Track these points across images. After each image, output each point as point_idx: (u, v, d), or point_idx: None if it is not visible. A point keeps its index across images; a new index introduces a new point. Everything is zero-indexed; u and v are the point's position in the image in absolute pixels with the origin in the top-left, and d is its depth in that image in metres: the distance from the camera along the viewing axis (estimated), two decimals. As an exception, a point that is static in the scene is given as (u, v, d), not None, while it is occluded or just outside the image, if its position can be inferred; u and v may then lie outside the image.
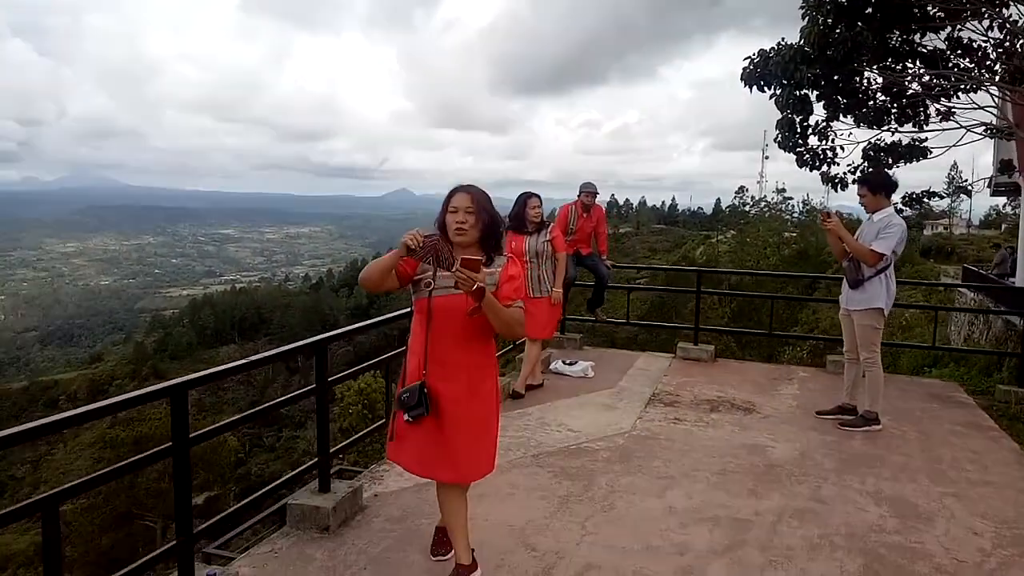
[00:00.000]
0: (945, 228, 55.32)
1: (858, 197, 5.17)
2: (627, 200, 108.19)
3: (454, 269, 2.51)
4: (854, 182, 11.43)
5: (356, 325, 4.51)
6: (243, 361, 3.33)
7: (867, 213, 5.13)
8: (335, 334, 3.91)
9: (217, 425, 3.41)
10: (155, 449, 2.87)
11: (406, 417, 2.73)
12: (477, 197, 2.74)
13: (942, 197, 13.43)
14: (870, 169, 11.69)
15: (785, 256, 27.44)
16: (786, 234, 29.72)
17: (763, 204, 33.51)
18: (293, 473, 3.84)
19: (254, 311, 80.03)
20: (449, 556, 3.08)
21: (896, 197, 10.62)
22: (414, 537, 3.37)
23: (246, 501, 3.62)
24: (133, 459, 2.87)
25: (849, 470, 4.38)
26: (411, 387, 2.73)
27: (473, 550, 2.97)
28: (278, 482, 3.78)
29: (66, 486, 2.51)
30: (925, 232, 51.31)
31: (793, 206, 31.91)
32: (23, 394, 61.60)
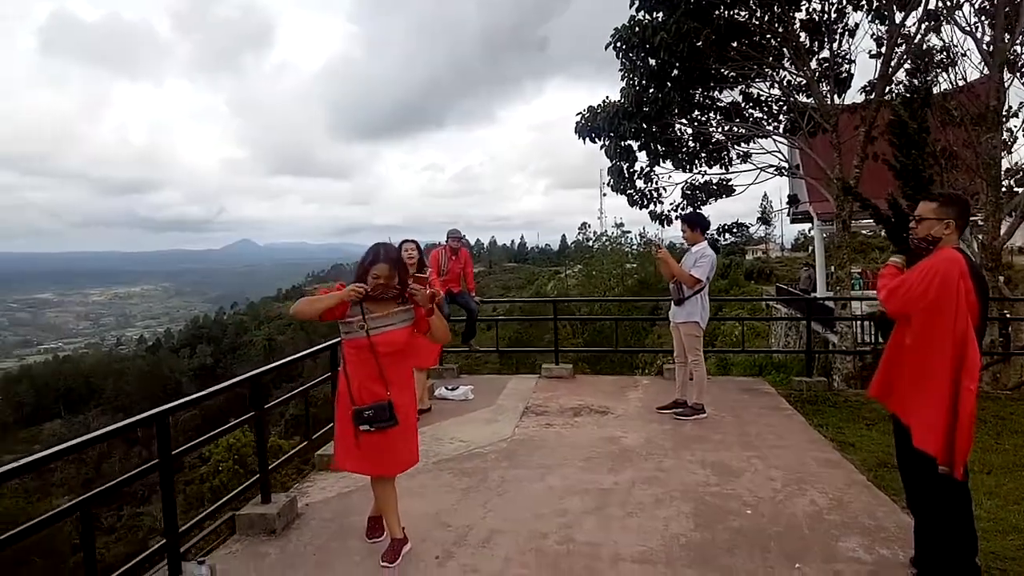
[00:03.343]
0: (764, 252, 61.81)
1: (681, 233, 6.55)
2: (478, 240, 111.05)
3: (409, 291, 3.45)
4: (678, 218, 13.31)
5: (203, 392, 4.00)
6: (61, 446, 2.92)
7: (688, 245, 6.48)
8: (176, 404, 3.64)
9: (36, 520, 2.81)
10: None
11: (368, 428, 3.46)
12: (392, 258, 3.56)
13: (748, 227, 15.76)
14: (689, 208, 13.66)
15: (628, 286, 29.93)
16: (628, 265, 32.26)
17: (604, 239, 36.20)
18: (140, 557, 3.46)
19: (82, 381, 73.10)
20: (383, 538, 3.86)
21: (712, 229, 12.49)
22: (348, 530, 4.09)
23: None
24: None
25: (683, 447, 5.58)
26: (376, 405, 3.47)
27: (403, 527, 3.78)
28: (119, 572, 3.16)
29: None
30: (747, 257, 57.00)
31: (632, 239, 34.71)
32: None
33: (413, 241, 6.81)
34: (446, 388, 7.51)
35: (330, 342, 5.28)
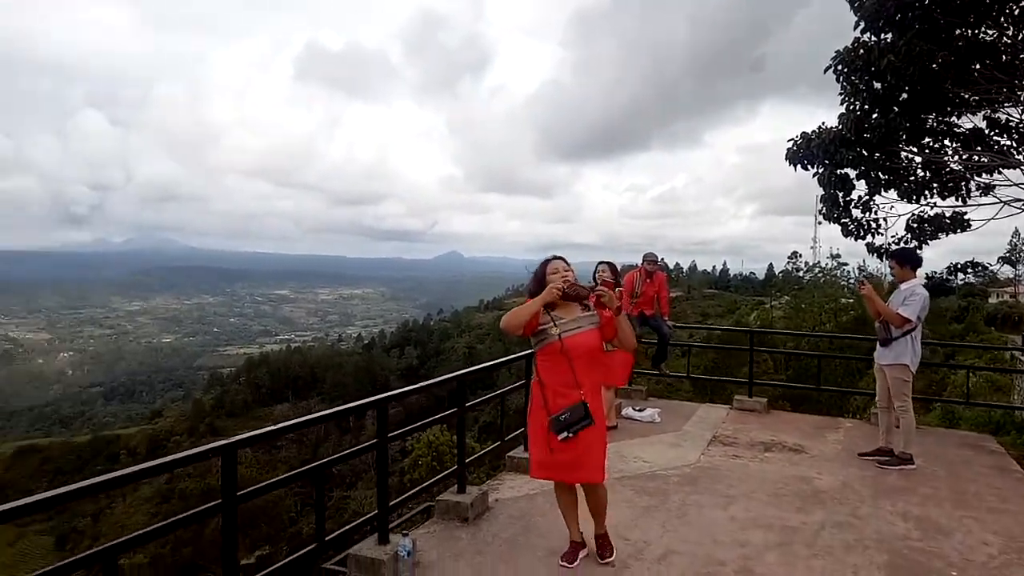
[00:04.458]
0: (1012, 296, 54.07)
1: (888, 269, 6.16)
2: (677, 264, 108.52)
3: (597, 290, 3.62)
4: (884, 254, 12.25)
5: (418, 385, 4.68)
6: (296, 420, 3.60)
7: (897, 283, 6.07)
8: (397, 393, 4.22)
9: (267, 482, 3.51)
10: (205, 506, 3.07)
11: (567, 435, 3.58)
12: (564, 261, 3.79)
13: (988, 267, 14.06)
14: (913, 242, 12.53)
15: (842, 323, 27.67)
16: (843, 300, 29.88)
17: (817, 270, 33.83)
18: (356, 522, 4.04)
19: (308, 370, 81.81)
20: (574, 565, 3.91)
21: (942, 267, 11.35)
22: (533, 528, 4.38)
23: (302, 552, 3.59)
24: (184, 515, 3.05)
25: (884, 497, 5.22)
26: (571, 407, 3.60)
27: (582, 533, 3.98)
28: (340, 531, 3.90)
29: (124, 539, 2.74)
30: (990, 300, 50.39)
31: (848, 272, 32.08)
32: (86, 448, 63.95)
33: (608, 263, 7.03)
34: (633, 409, 7.61)
35: (525, 352, 5.63)
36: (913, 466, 5.96)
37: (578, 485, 3.87)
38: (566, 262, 3.74)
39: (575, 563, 3.87)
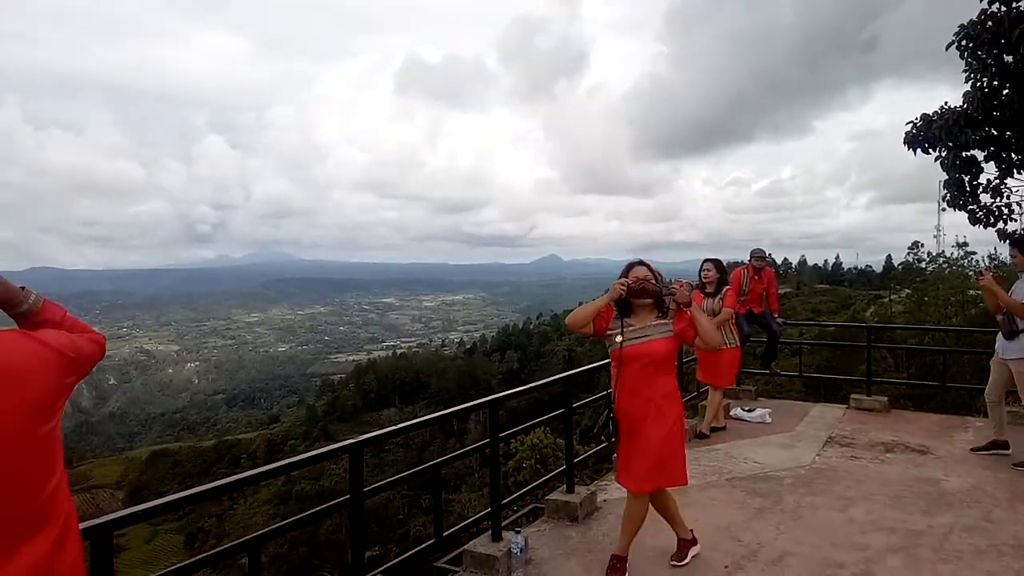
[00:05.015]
0: None
1: (1011, 257, 5.75)
2: (785, 259, 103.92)
3: (673, 286, 3.54)
4: (1006, 239, 11.32)
5: (530, 385, 4.88)
6: (419, 420, 3.89)
7: (1020, 272, 5.66)
8: (509, 394, 4.39)
9: (388, 480, 3.79)
10: (335, 500, 3.29)
11: (604, 440, 3.67)
12: (648, 267, 3.68)
13: None
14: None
15: (971, 316, 25.75)
16: (970, 292, 27.85)
17: (942, 260, 31.64)
18: (471, 520, 4.23)
19: (413, 376, 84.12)
20: (684, 563, 3.91)
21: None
22: (644, 530, 4.36)
23: (421, 548, 3.79)
24: (318, 508, 3.29)
25: (1021, 500, 4.88)
26: (604, 418, 3.64)
27: (692, 530, 3.96)
28: (455, 528, 4.06)
29: (267, 529, 2.99)
30: None
31: (977, 261, 29.85)
32: (211, 452, 68.22)
33: (714, 260, 6.92)
34: (742, 409, 7.44)
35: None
36: (1009, 451, 5.71)
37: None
38: (651, 268, 3.66)
39: (685, 561, 3.90)
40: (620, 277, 3.61)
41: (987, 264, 29.35)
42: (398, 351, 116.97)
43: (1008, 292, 5.64)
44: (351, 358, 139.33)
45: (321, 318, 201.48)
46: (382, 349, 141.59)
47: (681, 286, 3.55)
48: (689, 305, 3.55)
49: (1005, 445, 5.83)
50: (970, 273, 30.05)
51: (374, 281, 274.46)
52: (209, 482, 2.71)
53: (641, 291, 3.57)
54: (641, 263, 3.66)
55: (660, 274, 3.66)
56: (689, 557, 3.89)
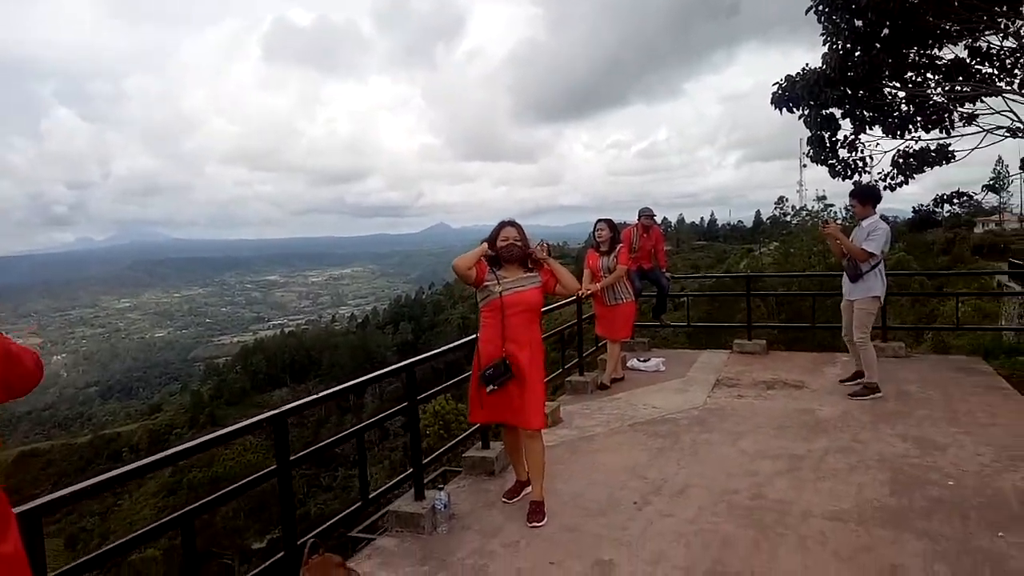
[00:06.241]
0: (997, 224, 54.36)
1: (849, 207, 6.39)
2: (664, 218, 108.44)
3: (539, 245, 3.99)
4: (886, 188, 12.45)
5: (441, 348, 4.90)
6: (340, 387, 3.93)
7: (859, 220, 6.28)
8: (424, 357, 4.43)
9: (317, 445, 3.77)
10: (262, 472, 3.27)
11: (492, 387, 3.87)
12: (517, 228, 4.04)
13: (973, 197, 14.30)
14: (900, 178, 12.71)
15: (832, 264, 27.96)
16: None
17: (804, 213, 33.97)
18: (392, 483, 4.28)
19: (303, 354, 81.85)
20: (515, 500, 4.26)
21: (928, 200, 11.54)
22: (557, 477, 4.63)
23: (350, 510, 3.91)
24: (243, 481, 3.22)
25: (882, 421, 5.52)
26: (494, 363, 3.88)
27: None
28: (378, 491, 4.10)
29: (198, 504, 2.97)
30: (976, 230, 50.76)
31: (836, 213, 32.28)
32: (88, 448, 63.68)
33: (607, 220, 7.23)
34: (638, 360, 7.88)
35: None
36: (880, 393, 6.21)
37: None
38: (520, 229, 4.01)
39: (515, 499, 4.24)
40: (492, 234, 4.01)
41: (844, 214, 31.87)
42: (286, 329, 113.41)
43: (850, 239, 6.26)
44: (236, 339, 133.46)
45: (201, 300, 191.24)
46: (269, 328, 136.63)
47: (542, 247, 4.02)
48: (547, 262, 4.01)
49: (876, 388, 6.27)
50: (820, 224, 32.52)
51: (256, 258, 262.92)
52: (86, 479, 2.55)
53: (509, 254, 3.97)
54: (512, 223, 4.04)
55: (525, 231, 4.04)
56: (521, 495, 4.27)
